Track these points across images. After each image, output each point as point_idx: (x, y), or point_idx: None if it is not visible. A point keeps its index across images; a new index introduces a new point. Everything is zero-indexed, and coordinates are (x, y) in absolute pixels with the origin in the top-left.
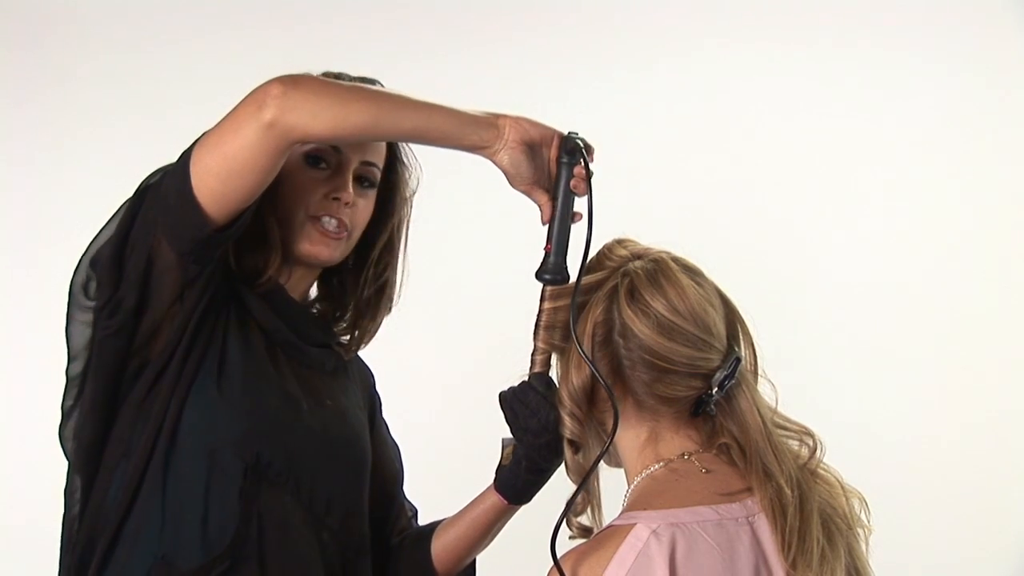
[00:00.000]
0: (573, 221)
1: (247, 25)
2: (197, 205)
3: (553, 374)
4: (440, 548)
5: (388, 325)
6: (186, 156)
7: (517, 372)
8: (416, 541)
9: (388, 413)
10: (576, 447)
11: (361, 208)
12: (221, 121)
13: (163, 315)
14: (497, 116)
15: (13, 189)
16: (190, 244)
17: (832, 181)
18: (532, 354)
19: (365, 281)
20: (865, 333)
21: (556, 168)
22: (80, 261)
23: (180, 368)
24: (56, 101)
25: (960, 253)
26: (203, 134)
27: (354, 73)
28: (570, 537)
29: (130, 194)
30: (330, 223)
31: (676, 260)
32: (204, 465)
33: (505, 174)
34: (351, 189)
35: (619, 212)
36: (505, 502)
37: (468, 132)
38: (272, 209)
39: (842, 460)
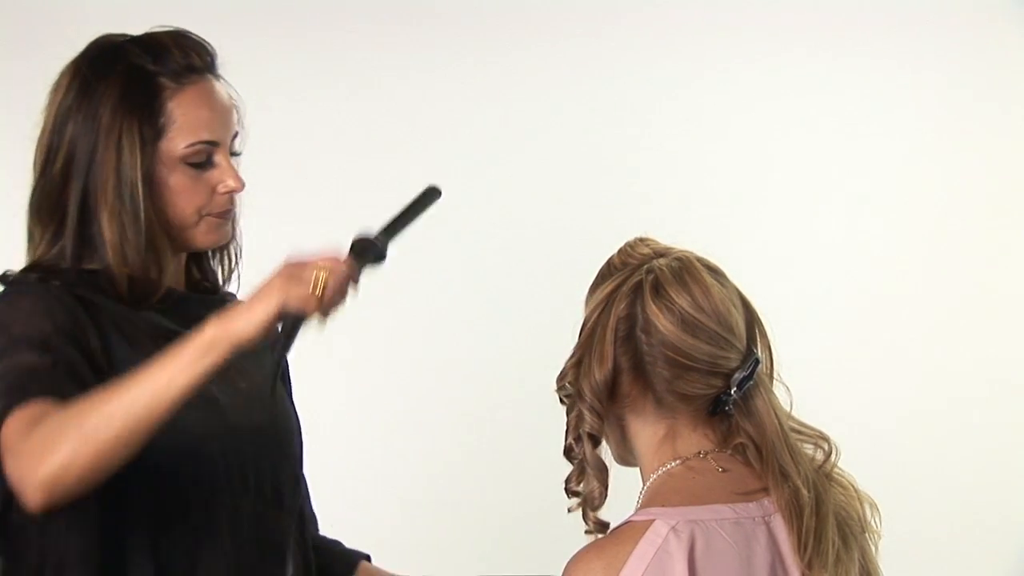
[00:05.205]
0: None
1: (247, 26)
2: None
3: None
4: None
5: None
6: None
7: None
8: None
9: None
10: (596, 441)
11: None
12: None
13: None
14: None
15: (12, 190)
16: None
17: (833, 186)
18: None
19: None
20: (874, 340)
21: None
22: None
23: None
24: None
25: (974, 256)
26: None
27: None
28: (586, 532)
29: None
30: (225, 213)
31: (700, 260)
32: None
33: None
34: (236, 172)
35: (617, 211)
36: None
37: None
38: (158, 220)
39: (851, 465)
